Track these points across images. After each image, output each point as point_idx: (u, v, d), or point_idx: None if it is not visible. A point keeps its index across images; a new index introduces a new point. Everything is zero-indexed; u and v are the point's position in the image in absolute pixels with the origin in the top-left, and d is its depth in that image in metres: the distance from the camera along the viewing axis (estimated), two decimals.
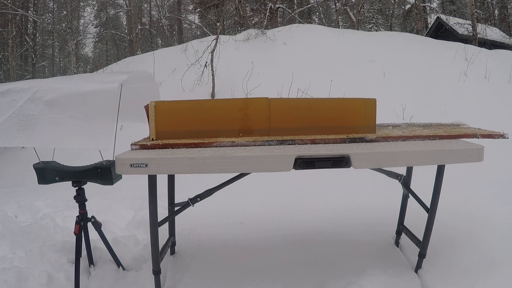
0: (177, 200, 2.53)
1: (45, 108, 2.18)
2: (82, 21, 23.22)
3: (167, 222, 2.40)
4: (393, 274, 2.38)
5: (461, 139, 2.14)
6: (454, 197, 3.06)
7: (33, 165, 2.37)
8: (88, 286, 2.43)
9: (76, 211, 2.49)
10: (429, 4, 21.10)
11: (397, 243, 2.77)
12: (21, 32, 18.55)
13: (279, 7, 15.98)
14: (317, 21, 20.89)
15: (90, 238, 2.54)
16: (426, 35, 15.32)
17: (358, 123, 2.24)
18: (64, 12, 17.87)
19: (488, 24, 15.78)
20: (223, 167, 1.80)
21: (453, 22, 15.30)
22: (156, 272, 2.15)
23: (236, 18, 19.18)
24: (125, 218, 3.51)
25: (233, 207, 3.54)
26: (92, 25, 24.67)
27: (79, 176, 2.35)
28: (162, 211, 2.47)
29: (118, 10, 22.93)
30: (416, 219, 2.53)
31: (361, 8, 17.28)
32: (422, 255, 2.36)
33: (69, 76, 2.73)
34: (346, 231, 2.97)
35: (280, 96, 6.54)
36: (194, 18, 23.52)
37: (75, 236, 2.43)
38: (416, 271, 2.42)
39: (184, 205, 2.21)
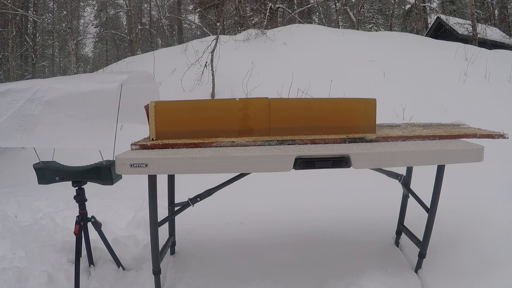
0: (177, 200, 2.53)
1: (45, 108, 2.18)
2: (82, 21, 23.25)
3: (167, 222, 2.40)
4: (393, 274, 2.38)
5: (461, 139, 2.14)
6: (454, 197, 3.06)
7: (33, 165, 2.37)
8: (88, 286, 2.43)
9: (76, 211, 2.49)
10: (429, 4, 21.09)
11: (397, 243, 2.77)
12: (21, 32, 18.55)
13: (279, 7, 15.98)
14: (317, 21, 20.89)
15: (90, 238, 2.54)
16: (426, 35, 15.32)
17: (358, 123, 2.24)
18: (64, 12, 17.87)
19: (488, 24, 15.78)
20: (223, 167, 1.80)
21: (453, 22, 15.30)
22: (156, 272, 2.15)
23: (236, 18, 19.17)
24: (125, 218, 3.51)
25: (233, 207, 3.54)
26: (92, 25, 24.69)
27: (79, 176, 2.35)
28: (162, 211, 2.47)
29: (118, 10, 22.93)
30: (416, 219, 2.53)
31: (361, 8, 17.29)
32: (422, 255, 2.36)
33: (69, 76, 2.73)
34: (346, 231, 2.97)
35: (280, 96, 6.54)
36: (194, 18, 23.54)
37: (75, 236, 2.43)
38: (416, 271, 2.42)
39: (184, 205, 2.21)
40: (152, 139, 2.12)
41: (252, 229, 3.11)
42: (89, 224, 2.51)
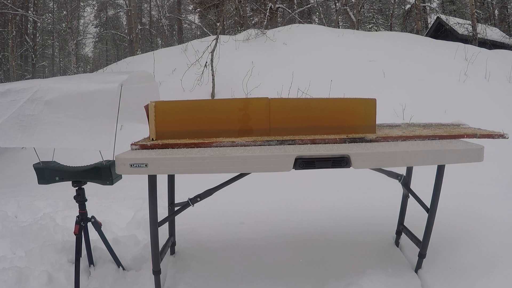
0: (177, 200, 2.53)
1: (45, 108, 2.18)
2: (82, 21, 23.24)
3: (167, 222, 2.40)
4: (393, 274, 2.38)
5: (461, 139, 2.14)
6: (454, 197, 3.05)
7: (33, 165, 2.37)
8: (88, 286, 2.43)
9: (76, 211, 2.49)
10: (429, 4, 21.09)
11: (397, 243, 2.77)
12: (21, 32, 18.54)
13: (279, 7, 15.98)
14: (317, 21, 20.89)
15: (90, 238, 2.54)
16: (426, 35, 15.32)
17: (358, 123, 2.24)
18: (64, 12, 17.88)
19: (488, 24, 15.78)
20: (223, 167, 1.80)
21: (453, 22, 15.30)
22: (156, 272, 2.15)
23: (236, 18, 19.16)
24: (125, 218, 3.51)
25: (233, 207, 3.54)
26: (92, 25, 24.70)
27: (79, 176, 2.35)
28: (162, 211, 2.47)
29: (118, 10, 22.94)
30: (416, 219, 2.53)
31: (361, 8, 17.28)
32: (422, 255, 2.36)
33: (69, 76, 2.73)
34: (346, 231, 2.97)
35: (280, 96, 6.54)
36: (194, 18, 23.53)
37: (75, 236, 2.43)
38: (416, 271, 2.42)
39: (184, 205, 2.21)
40: (152, 139, 2.12)
41: (252, 229, 3.11)
42: (89, 224, 2.51)
